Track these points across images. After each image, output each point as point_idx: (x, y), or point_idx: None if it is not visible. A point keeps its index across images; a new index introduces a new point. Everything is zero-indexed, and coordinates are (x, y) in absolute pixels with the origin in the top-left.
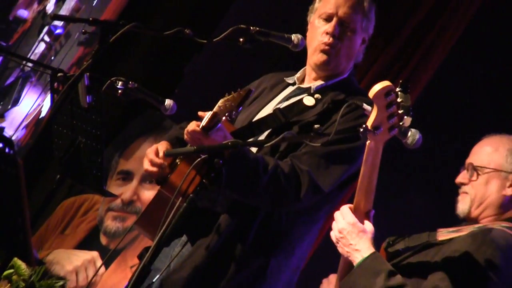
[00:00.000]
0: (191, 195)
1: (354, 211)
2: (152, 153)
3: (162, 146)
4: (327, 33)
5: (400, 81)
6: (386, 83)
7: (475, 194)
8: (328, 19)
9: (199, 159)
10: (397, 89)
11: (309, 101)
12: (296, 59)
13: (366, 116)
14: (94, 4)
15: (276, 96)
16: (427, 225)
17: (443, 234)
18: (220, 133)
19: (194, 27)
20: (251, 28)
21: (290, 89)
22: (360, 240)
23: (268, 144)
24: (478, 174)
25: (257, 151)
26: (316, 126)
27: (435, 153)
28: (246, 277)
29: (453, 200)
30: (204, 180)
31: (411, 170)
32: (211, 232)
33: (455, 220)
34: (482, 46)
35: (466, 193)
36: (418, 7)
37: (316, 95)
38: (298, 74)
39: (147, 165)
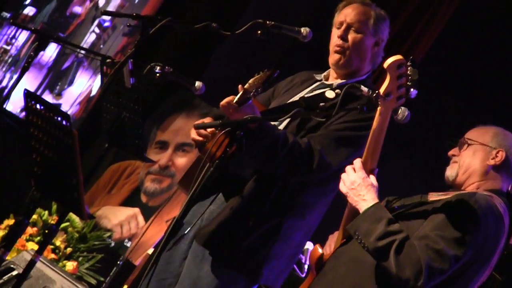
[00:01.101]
0: (216, 161)
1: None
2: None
3: (207, 120)
4: (337, 37)
5: (411, 57)
6: (399, 56)
7: (463, 162)
8: (339, 26)
9: (225, 129)
10: (408, 63)
11: (330, 94)
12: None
13: (375, 110)
14: (136, 2)
15: (305, 89)
16: (418, 190)
17: (433, 196)
18: (249, 108)
19: (219, 21)
20: (267, 22)
21: (317, 83)
22: (368, 192)
23: (282, 119)
24: (468, 145)
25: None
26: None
27: (425, 126)
28: (262, 234)
29: (441, 167)
30: (227, 148)
31: (403, 141)
32: (239, 194)
33: (443, 187)
34: (467, 33)
35: (456, 162)
36: (406, 7)
37: (337, 90)
38: (325, 73)
39: (193, 135)
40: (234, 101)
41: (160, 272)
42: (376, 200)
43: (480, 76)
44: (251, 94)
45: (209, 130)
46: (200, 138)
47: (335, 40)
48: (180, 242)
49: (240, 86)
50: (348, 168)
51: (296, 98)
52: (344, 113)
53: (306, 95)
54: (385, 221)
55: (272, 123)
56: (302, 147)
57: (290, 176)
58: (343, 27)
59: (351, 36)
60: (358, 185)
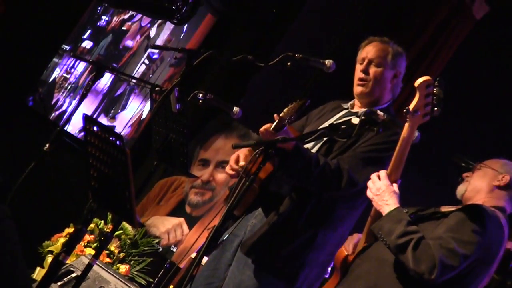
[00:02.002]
0: (252, 176)
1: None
2: (232, 160)
3: (242, 153)
4: (360, 71)
5: (437, 78)
6: (428, 77)
7: (474, 181)
8: (362, 62)
9: (259, 149)
10: (436, 84)
11: (355, 120)
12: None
13: (397, 134)
14: (181, 37)
15: (334, 116)
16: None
17: (445, 208)
18: (284, 134)
19: (255, 53)
20: (296, 55)
21: (344, 112)
22: (391, 198)
23: (309, 139)
24: (480, 169)
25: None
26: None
27: (434, 145)
28: (299, 244)
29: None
30: (261, 165)
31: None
32: (277, 210)
33: (454, 203)
34: (474, 61)
35: (468, 181)
36: (419, 38)
37: (362, 117)
38: (351, 102)
39: (228, 169)
40: (271, 128)
41: (208, 277)
42: (398, 205)
43: (485, 100)
44: (286, 121)
45: (241, 164)
46: (233, 173)
47: (358, 74)
48: (219, 247)
49: (275, 115)
50: (374, 176)
51: (326, 124)
52: (369, 137)
53: (334, 122)
54: (405, 222)
55: (306, 146)
56: (332, 167)
57: (323, 192)
58: (365, 63)
59: (372, 70)
60: (382, 192)
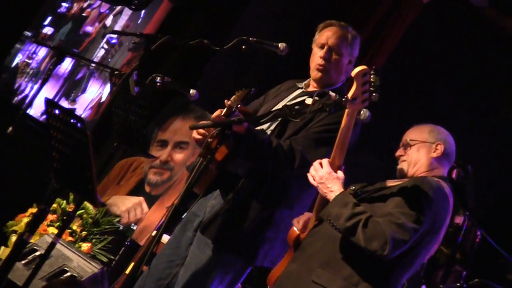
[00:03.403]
0: (209, 156)
1: (331, 164)
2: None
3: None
4: (320, 57)
5: (373, 67)
6: (364, 66)
7: (410, 159)
8: (321, 47)
9: (215, 130)
10: (371, 72)
11: (308, 101)
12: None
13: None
14: (138, 22)
15: (289, 96)
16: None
17: (391, 183)
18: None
19: (210, 38)
20: (250, 38)
21: (299, 91)
22: (334, 184)
23: (263, 120)
24: (411, 146)
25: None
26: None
27: (383, 124)
28: (257, 223)
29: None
30: (217, 145)
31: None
32: (235, 190)
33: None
34: (417, 48)
35: (404, 160)
36: (368, 22)
37: (315, 97)
38: (306, 81)
39: (195, 134)
40: (222, 114)
41: (170, 255)
42: (342, 190)
43: (428, 82)
44: (234, 108)
45: (204, 131)
46: (200, 137)
47: (317, 59)
48: (180, 226)
49: (226, 100)
50: (316, 164)
51: (280, 105)
52: (321, 118)
53: (288, 103)
54: (351, 205)
55: (261, 127)
56: (285, 148)
57: (277, 172)
58: (325, 49)
59: (332, 58)
60: (326, 179)
